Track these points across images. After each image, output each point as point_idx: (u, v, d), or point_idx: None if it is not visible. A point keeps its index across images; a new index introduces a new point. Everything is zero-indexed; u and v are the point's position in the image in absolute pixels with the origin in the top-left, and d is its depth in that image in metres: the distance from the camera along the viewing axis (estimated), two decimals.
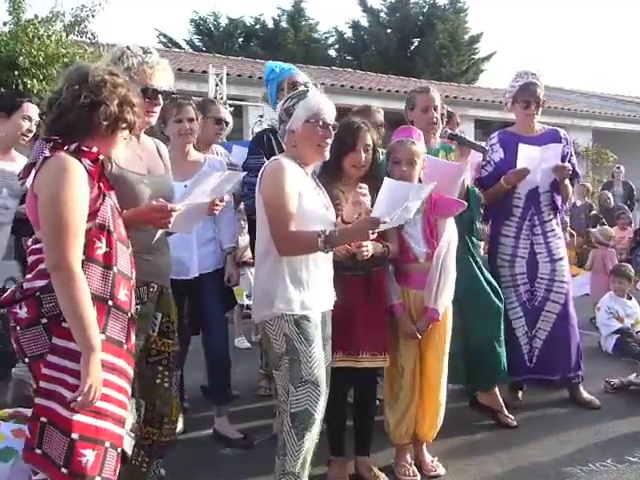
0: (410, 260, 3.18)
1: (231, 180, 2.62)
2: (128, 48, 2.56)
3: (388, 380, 3.27)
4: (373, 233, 2.57)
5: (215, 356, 3.70)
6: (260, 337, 4.59)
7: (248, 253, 4.61)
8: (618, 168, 12.24)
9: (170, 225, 2.33)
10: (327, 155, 2.76)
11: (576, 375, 4.21)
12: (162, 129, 3.50)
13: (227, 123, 4.21)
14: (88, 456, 1.97)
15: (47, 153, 2.02)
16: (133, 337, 2.19)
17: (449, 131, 3.75)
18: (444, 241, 3.16)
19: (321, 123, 2.69)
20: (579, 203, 10.39)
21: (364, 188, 2.80)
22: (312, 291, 2.68)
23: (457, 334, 3.49)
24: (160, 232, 2.41)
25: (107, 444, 2.03)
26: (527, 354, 4.15)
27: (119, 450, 2.09)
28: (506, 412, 3.92)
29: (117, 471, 2.09)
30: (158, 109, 2.62)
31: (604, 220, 10.45)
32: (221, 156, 4.21)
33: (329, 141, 2.73)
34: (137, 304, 2.42)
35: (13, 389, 3.23)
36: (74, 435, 1.96)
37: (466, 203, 3.27)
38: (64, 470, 1.95)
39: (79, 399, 1.93)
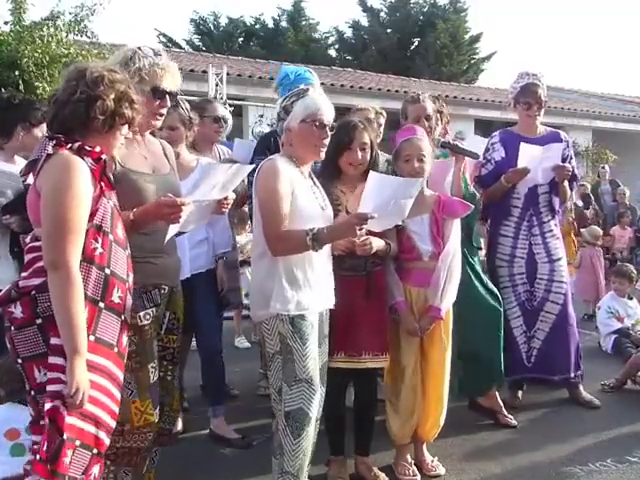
0: (414, 258, 3.17)
1: (240, 174, 2.61)
2: (139, 49, 2.58)
3: (390, 380, 3.26)
4: (361, 229, 2.56)
5: (208, 356, 3.70)
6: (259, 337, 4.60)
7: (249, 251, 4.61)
8: (603, 168, 12.43)
9: (181, 220, 2.31)
10: (322, 155, 2.77)
11: (575, 375, 4.22)
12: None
13: (226, 121, 4.20)
14: (69, 456, 1.98)
15: (50, 150, 2.02)
16: (125, 340, 2.19)
17: (442, 140, 3.75)
18: (452, 241, 3.17)
19: (317, 123, 2.69)
20: (580, 203, 10.41)
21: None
22: (309, 291, 2.68)
23: (460, 342, 3.50)
24: (171, 234, 2.39)
25: (77, 442, 2.01)
26: (525, 353, 4.15)
27: (95, 452, 2.07)
28: (505, 412, 3.92)
29: (92, 471, 2.07)
30: (165, 111, 2.64)
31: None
32: (224, 156, 4.22)
33: (325, 142, 2.72)
34: (152, 307, 2.47)
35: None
36: (65, 435, 1.95)
37: (472, 206, 3.27)
38: (49, 466, 1.95)
39: (68, 401, 1.93)
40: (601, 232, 7.95)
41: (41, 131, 3.36)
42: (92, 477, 2.08)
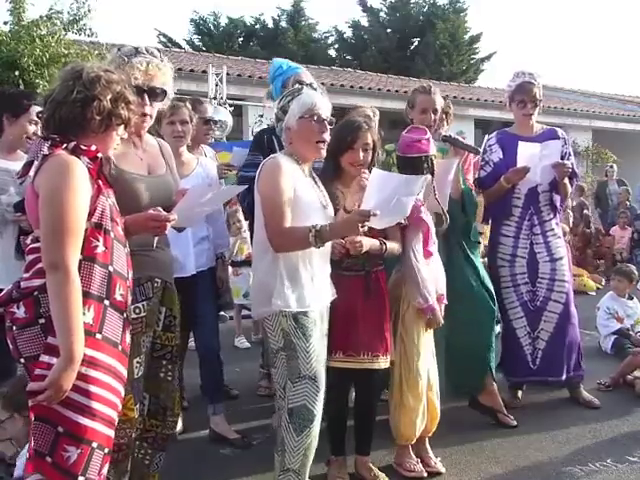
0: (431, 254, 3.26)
1: (232, 192, 2.70)
2: (118, 49, 2.58)
3: (398, 380, 3.23)
4: (363, 226, 2.57)
5: (207, 355, 3.71)
6: (261, 336, 4.60)
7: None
8: (611, 167, 12.33)
9: (166, 231, 2.37)
10: (324, 151, 2.77)
11: (576, 375, 4.22)
12: (157, 129, 3.49)
13: (216, 122, 4.20)
14: (71, 453, 1.96)
15: (46, 151, 2.02)
16: (128, 338, 2.19)
17: (443, 133, 3.75)
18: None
19: (316, 118, 2.70)
20: (575, 203, 10.39)
21: (366, 173, 2.81)
22: (309, 288, 2.69)
23: (449, 338, 3.52)
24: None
25: (94, 444, 2.01)
26: (530, 355, 4.14)
27: (106, 451, 2.07)
28: (506, 412, 3.92)
29: (103, 471, 2.07)
30: (149, 110, 2.57)
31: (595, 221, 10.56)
32: (209, 155, 4.22)
33: (326, 136, 2.73)
34: (143, 300, 2.47)
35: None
36: (60, 429, 1.95)
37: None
38: (48, 459, 1.95)
39: (40, 397, 1.90)
40: (568, 228, 7.99)
41: (27, 118, 3.36)
42: (103, 477, 2.09)
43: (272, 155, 2.79)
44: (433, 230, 3.25)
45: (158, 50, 2.69)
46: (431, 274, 3.19)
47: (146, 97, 2.55)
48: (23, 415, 2.70)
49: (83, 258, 1.99)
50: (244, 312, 6.02)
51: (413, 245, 3.13)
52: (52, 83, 2.65)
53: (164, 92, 2.62)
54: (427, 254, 3.19)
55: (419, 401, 3.19)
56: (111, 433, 2.09)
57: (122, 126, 2.18)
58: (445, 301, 3.29)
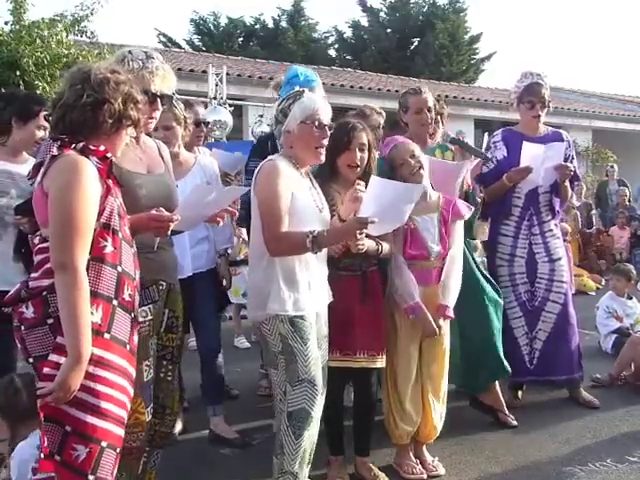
0: (423, 257, 3.19)
1: (234, 194, 2.72)
2: (130, 52, 2.58)
3: (391, 381, 3.25)
4: (361, 233, 2.57)
5: (208, 356, 3.72)
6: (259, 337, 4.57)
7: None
8: (612, 167, 12.33)
9: (168, 232, 2.37)
10: (323, 157, 2.77)
11: (576, 375, 4.22)
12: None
13: (207, 124, 4.19)
14: (80, 451, 1.96)
15: (55, 152, 2.02)
16: (135, 338, 2.19)
17: (452, 135, 3.76)
18: (458, 242, 3.27)
19: (317, 124, 2.70)
20: (577, 203, 10.38)
21: (362, 185, 2.81)
22: (306, 292, 2.69)
23: (454, 333, 3.51)
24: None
25: (104, 444, 2.01)
26: (527, 355, 4.14)
27: (118, 450, 2.07)
28: (506, 411, 3.92)
29: (115, 470, 2.08)
30: (158, 114, 2.63)
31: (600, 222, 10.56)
32: (205, 156, 4.23)
33: (325, 142, 2.73)
34: (149, 303, 2.47)
35: None
36: (68, 428, 1.95)
37: (474, 208, 3.37)
38: (57, 457, 1.95)
39: (49, 398, 1.90)
40: (569, 228, 7.97)
41: (36, 124, 3.36)
42: (115, 476, 2.09)
43: (269, 157, 2.78)
44: (428, 236, 3.19)
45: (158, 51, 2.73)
46: (409, 278, 3.13)
47: (158, 102, 2.58)
48: (6, 418, 2.69)
49: (91, 258, 1.99)
50: (243, 312, 6.03)
51: (395, 248, 3.12)
52: (55, 84, 2.66)
53: (172, 96, 2.67)
54: (407, 256, 3.16)
55: (403, 404, 3.19)
56: (121, 432, 2.09)
57: (131, 126, 2.19)
58: (451, 314, 3.20)
